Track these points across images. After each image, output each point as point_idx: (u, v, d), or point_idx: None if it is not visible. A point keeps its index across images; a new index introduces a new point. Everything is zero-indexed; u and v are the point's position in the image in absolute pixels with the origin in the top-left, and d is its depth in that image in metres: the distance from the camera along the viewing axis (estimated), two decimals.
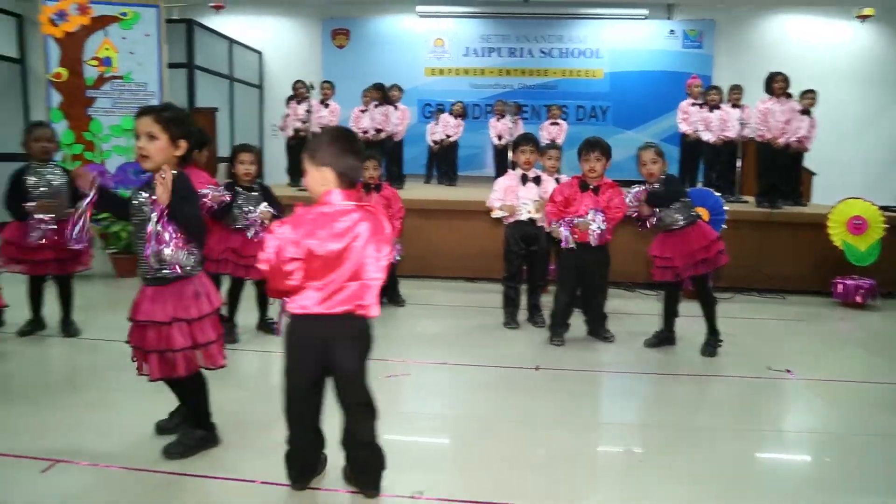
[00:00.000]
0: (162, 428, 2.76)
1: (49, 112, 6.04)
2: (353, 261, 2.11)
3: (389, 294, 5.14)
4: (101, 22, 5.91)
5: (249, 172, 4.03)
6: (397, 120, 8.37)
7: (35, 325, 4.15)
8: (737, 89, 7.45)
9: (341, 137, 2.19)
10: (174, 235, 2.35)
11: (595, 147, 4.22)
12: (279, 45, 12.05)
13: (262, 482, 2.40)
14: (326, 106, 8.08)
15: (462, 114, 10.06)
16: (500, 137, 9.57)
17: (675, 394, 3.60)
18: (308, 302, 2.12)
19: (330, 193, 2.13)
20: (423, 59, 11.91)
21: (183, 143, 2.40)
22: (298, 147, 8.32)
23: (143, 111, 2.41)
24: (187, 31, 9.38)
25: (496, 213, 4.81)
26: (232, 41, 11.10)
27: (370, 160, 4.75)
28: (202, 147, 3.84)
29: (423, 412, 3.24)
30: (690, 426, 3.14)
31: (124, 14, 5.92)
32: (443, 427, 3.07)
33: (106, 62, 5.93)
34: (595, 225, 4.08)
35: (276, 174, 9.52)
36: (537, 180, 4.68)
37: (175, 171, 2.37)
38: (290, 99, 8.77)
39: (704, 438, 2.99)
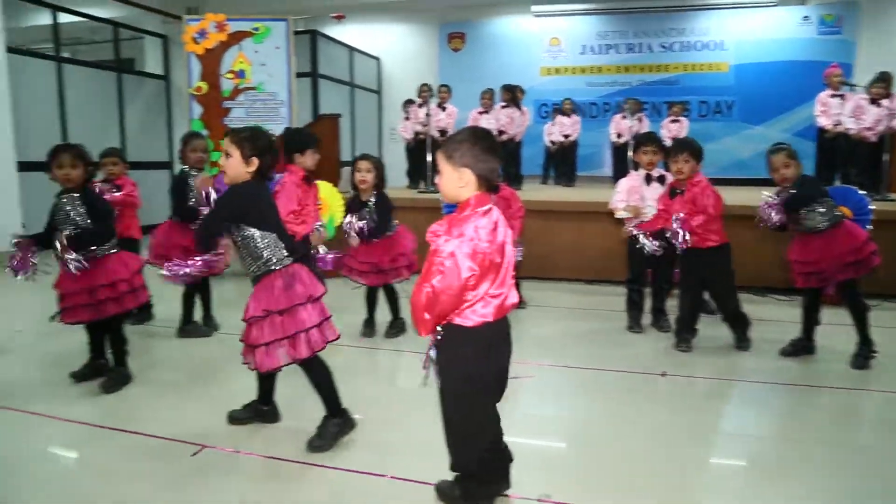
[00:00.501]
0: (234, 418, 2.97)
1: (191, 123, 6.53)
2: (509, 261, 2.13)
3: None
4: (236, 37, 6.32)
5: (365, 180, 4.15)
6: (521, 122, 8.37)
7: (189, 321, 4.48)
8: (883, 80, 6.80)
9: (483, 137, 2.11)
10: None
11: (683, 148, 4.03)
12: (397, 50, 12.35)
13: (392, 477, 2.47)
14: (443, 109, 8.20)
15: (572, 111, 9.91)
16: (619, 135, 9.34)
17: (818, 406, 3.36)
18: (488, 310, 2.08)
19: (481, 196, 2.08)
20: (538, 59, 11.83)
21: (255, 161, 2.61)
22: (418, 150, 8.51)
23: (225, 132, 2.76)
24: (311, 41, 9.83)
25: (620, 214, 4.70)
26: (352, 49, 11.50)
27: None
28: (304, 150, 3.93)
29: (547, 415, 3.21)
30: (833, 442, 2.92)
31: (256, 29, 6.30)
32: (567, 430, 3.03)
33: (240, 74, 6.34)
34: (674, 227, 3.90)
35: (395, 177, 9.77)
36: (661, 180, 4.52)
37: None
38: (407, 103, 8.99)
39: (848, 456, 2.77)
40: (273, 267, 2.61)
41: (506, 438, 2.27)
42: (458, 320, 2.07)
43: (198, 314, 4.49)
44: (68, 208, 3.23)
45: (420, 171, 8.29)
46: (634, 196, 4.60)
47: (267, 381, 2.90)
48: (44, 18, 9.64)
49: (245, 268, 2.68)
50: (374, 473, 2.50)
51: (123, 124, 9.48)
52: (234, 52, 6.32)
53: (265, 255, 2.60)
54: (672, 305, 4.61)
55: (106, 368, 3.46)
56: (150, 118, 9.98)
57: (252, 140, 2.61)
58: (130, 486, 2.43)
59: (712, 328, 4.36)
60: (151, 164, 9.46)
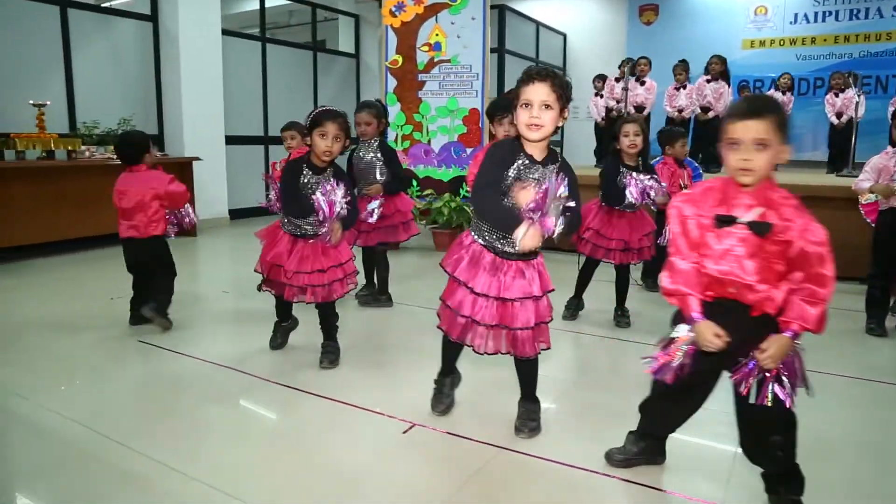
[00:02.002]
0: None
1: (385, 97, 6.58)
2: None
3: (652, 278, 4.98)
4: (433, 9, 6.24)
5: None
6: (728, 97, 7.62)
7: (371, 289, 4.44)
8: None
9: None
10: None
11: None
12: (583, 26, 11.85)
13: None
14: (642, 83, 7.65)
15: (790, 87, 8.87)
16: (839, 115, 8.24)
17: None
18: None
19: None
20: (740, 31, 10.77)
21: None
22: (610, 128, 8.04)
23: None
24: (500, 16, 9.63)
25: (867, 198, 4.01)
26: (539, 24, 11.17)
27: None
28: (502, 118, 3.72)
29: None
30: None
31: (454, 0, 6.17)
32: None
33: (436, 47, 6.26)
34: None
35: (580, 156, 9.36)
36: None
37: None
38: (598, 78, 8.53)
39: None
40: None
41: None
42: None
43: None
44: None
45: (609, 150, 7.86)
46: (885, 176, 3.90)
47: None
48: (252, 4, 10.29)
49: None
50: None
51: (317, 100, 9.89)
52: (429, 24, 6.25)
53: None
54: None
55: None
56: (341, 94, 10.33)
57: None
58: (346, 454, 2.34)
59: None
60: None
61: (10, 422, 2.62)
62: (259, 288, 3.34)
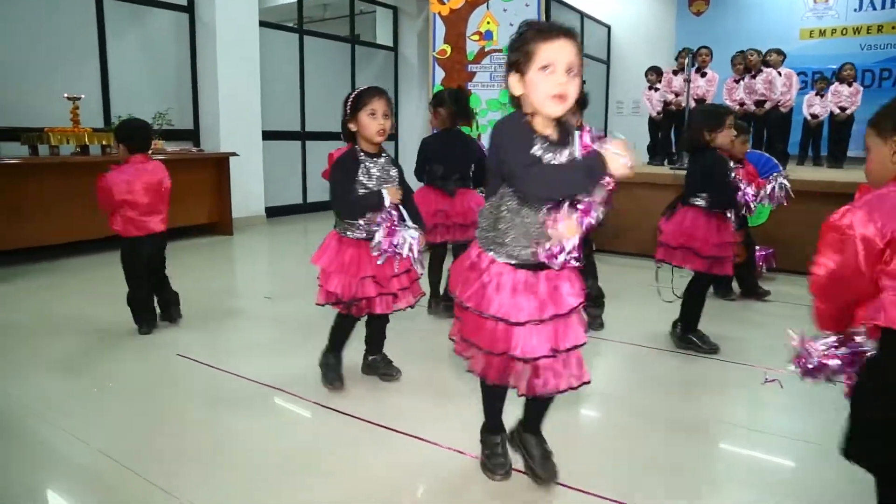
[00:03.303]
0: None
1: (432, 89, 6.22)
2: None
3: (747, 285, 4.50)
4: None
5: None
6: (784, 87, 7.14)
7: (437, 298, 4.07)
8: None
9: None
10: None
11: None
12: (629, 16, 11.37)
13: None
14: (703, 75, 7.19)
15: (853, 78, 8.31)
16: None
17: None
18: None
19: None
20: (797, 20, 10.21)
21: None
22: (667, 122, 7.61)
23: None
24: (545, 4, 9.20)
25: None
26: (583, 15, 10.72)
27: None
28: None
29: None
30: None
31: None
32: None
33: (487, 36, 5.88)
34: None
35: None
36: None
37: None
38: (652, 71, 8.08)
39: None
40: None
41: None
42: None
43: None
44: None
45: (666, 147, 7.43)
46: None
47: None
48: None
49: None
50: None
51: None
52: (480, 11, 5.88)
53: None
54: None
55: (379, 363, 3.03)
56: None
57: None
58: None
59: None
60: None
61: (28, 446, 2.31)
62: (347, 308, 2.78)
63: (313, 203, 9.01)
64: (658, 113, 7.83)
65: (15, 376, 2.96)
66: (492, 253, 1.85)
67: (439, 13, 6.00)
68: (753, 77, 6.94)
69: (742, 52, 7.26)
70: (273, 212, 8.17)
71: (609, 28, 11.52)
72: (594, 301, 3.73)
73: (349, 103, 2.61)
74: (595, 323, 3.68)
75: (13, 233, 5.13)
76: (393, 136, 10.18)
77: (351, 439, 2.41)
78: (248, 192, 7.60)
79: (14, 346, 3.36)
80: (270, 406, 2.71)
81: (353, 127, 2.61)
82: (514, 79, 1.75)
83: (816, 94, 8.60)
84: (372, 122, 2.56)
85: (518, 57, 1.73)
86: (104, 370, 3.06)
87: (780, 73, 7.24)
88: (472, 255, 1.91)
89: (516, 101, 1.80)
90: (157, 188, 3.50)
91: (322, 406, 2.66)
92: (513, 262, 1.83)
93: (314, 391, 2.80)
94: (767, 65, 7.09)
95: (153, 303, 3.65)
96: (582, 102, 3.28)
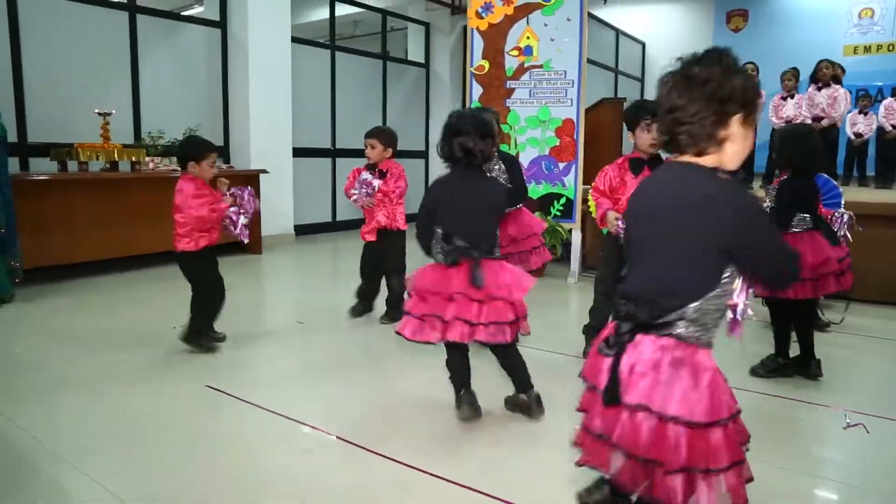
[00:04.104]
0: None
1: (469, 105, 6.01)
2: None
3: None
4: (525, 10, 5.66)
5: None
6: (846, 103, 6.84)
7: None
8: None
9: None
10: None
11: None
12: (664, 34, 11.15)
13: None
14: None
15: None
16: None
17: None
18: None
19: None
20: (841, 36, 9.95)
21: None
22: None
23: None
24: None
25: None
26: (618, 32, 10.52)
27: None
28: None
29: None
30: None
31: (547, 0, 5.58)
32: None
33: (527, 51, 5.67)
34: None
35: None
36: None
37: None
38: None
39: None
40: None
41: None
42: None
43: None
44: None
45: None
46: None
47: None
48: (318, 14, 9.94)
49: None
50: None
51: (385, 111, 9.43)
52: (520, 26, 5.67)
53: None
54: None
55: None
56: (410, 105, 9.85)
57: None
58: None
59: None
60: (408, 153, 9.31)
61: (43, 490, 2.11)
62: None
63: (343, 221, 8.85)
64: None
65: (31, 407, 2.78)
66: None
67: (477, 28, 5.81)
68: (819, 89, 6.63)
69: (793, 68, 6.98)
70: (302, 230, 8.01)
71: (644, 45, 11.32)
72: None
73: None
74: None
75: (39, 250, 5.00)
76: (423, 154, 10.01)
77: (399, 487, 2.17)
78: (278, 209, 7.45)
79: (31, 373, 3.18)
80: (306, 446, 2.49)
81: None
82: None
83: (860, 113, 8.28)
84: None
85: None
86: (128, 403, 2.87)
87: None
88: (699, 357, 1.47)
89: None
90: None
91: (365, 449, 2.44)
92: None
93: (356, 432, 2.57)
94: (837, 80, 6.80)
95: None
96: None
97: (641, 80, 11.39)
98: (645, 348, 1.46)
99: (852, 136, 8.31)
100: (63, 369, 3.23)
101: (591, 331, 3.52)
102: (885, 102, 8.07)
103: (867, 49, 9.79)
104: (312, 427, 2.61)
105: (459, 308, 2.43)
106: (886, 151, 8.02)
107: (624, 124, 3.42)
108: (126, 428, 2.59)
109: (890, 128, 7.88)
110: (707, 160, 1.47)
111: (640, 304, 1.49)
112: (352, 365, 2.88)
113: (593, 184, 3.41)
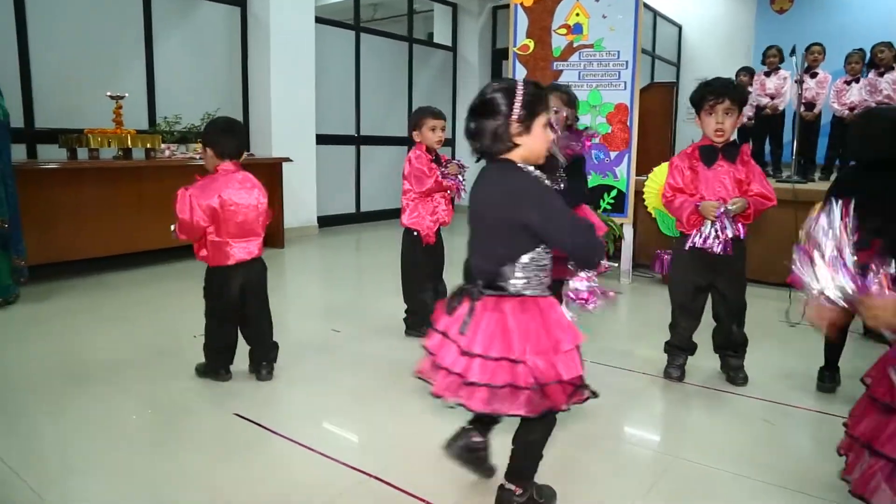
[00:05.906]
0: None
1: None
2: None
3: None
4: None
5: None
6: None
7: None
8: None
9: None
10: None
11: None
12: (703, 15, 10.56)
13: None
14: (814, 76, 6.37)
15: None
16: None
17: None
18: None
19: None
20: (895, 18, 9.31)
21: None
22: (760, 130, 6.85)
23: None
24: None
25: None
26: (656, 13, 9.96)
27: None
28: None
29: None
30: None
31: None
32: None
33: (576, 29, 5.17)
34: None
35: None
36: None
37: None
38: (743, 72, 7.28)
39: None
40: None
41: None
42: None
43: None
44: None
45: (760, 157, 6.68)
46: None
47: None
48: None
49: None
50: None
51: (411, 96, 8.93)
52: (568, 2, 5.18)
53: None
54: None
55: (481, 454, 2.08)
56: (435, 91, 9.34)
57: None
58: None
59: None
60: None
61: None
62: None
63: (367, 212, 8.40)
64: (749, 119, 7.02)
65: (31, 434, 2.35)
66: None
67: (522, 4, 5.31)
68: (881, 75, 6.08)
69: (859, 49, 6.42)
70: (324, 221, 7.57)
71: (680, 28, 10.74)
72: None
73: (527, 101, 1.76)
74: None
75: (46, 246, 4.58)
76: (449, 142, 9.52)
77: None
78: (301, 200, 7.01)
79: (31, 392, 2.76)
80: (352, 497, 2.05)
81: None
82: None
83: None
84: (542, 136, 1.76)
85: None
86: (142, 434, 2.44)
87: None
88: None
89: None
90: (256, 204, 2.89)
91: (415, 497, 1.99)
92: None
93: (406, 476, 2.13)
94: None
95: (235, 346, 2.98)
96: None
97: (677, 64, 10.81)
98: None
99: None
100: (62, 390, 2.80)
101: (673, 349, 3.06)
102: None
103: None
104: (356, 469, 2.17)
105: (448, 352, 1.74)
106: None
107: (691, 107, 2.94)
108: (133, 465, 2.16)
109: None
110: None
111: None
112: (400, 387, 2.44)
113: (666, 181, 2.95)
